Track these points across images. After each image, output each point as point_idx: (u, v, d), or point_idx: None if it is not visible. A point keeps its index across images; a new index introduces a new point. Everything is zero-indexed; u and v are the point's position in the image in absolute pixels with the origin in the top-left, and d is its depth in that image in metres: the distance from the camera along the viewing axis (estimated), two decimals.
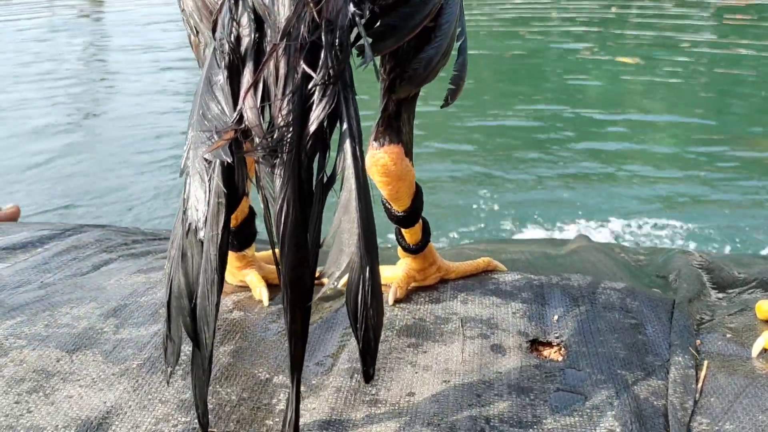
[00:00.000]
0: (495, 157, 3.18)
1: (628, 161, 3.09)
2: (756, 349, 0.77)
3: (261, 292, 0.86)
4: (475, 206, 2.68)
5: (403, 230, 0.85)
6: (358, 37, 0.57)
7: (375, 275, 0.54)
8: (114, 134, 3.43)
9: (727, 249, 2.29)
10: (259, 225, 0.83)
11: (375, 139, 0.76)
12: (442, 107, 0.79)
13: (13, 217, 1.31)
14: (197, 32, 0.69)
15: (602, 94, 4.03)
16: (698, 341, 0.80)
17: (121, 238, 1.15)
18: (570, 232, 2.45)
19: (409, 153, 0.78)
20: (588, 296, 0.88)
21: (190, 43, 0.74)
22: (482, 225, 2.55)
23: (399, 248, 0.88)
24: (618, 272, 1.02)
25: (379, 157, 0.76)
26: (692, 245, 2.32)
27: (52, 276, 0.97)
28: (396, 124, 0.75)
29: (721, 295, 0.97)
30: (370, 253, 0.54)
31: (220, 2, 0.59)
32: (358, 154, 0.54)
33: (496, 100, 3.88)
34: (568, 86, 4.12)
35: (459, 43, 0.78)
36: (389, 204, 0.81)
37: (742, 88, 4.08)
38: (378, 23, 0.62)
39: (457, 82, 0.79)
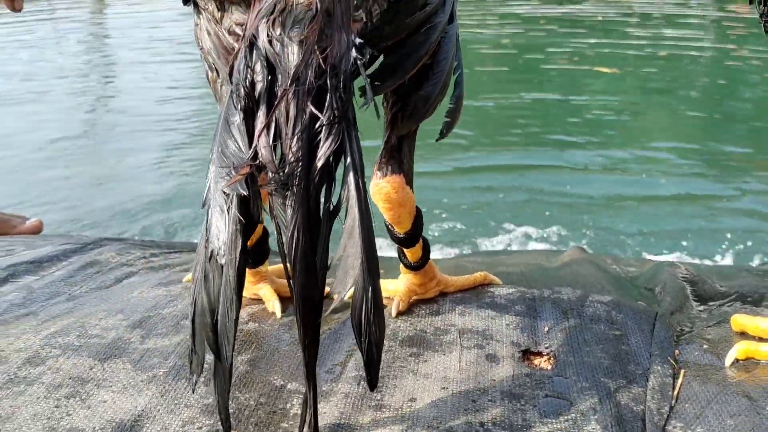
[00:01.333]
0: (486, 149, 3.22)
1: (621, 166, 3.13)
2: (729, 359, 0.84)
3: (274, 305, 0.93)
4: (464, 206, 2.71)
5: (405, 249, 0.92)
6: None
7: (377, 294, 0.61)
8: (120, 144, 3.49)
9: (719, 258, 2.34)
10: (271, 242, 0.90)
11: (378, 170, 0.83)
12: (437, 140, 0.85)
13: (36, 230, 1.38)
14: (214, 69, 0.76)
15: (585, 101, 4.06)
16: (677, 351, 0.87)
17: (139, 251, 1.22)
18: (562, 236, 2.50)
19: (410, 182, 0.84)
20: (576, 309, 0.95)
21: (208, 79, 0.80)
22: (476, 228, 2.59)
23: (401, 265, 0.95)
24: (606, 285, 1.09)
25: (382, 186, 0.83)
26: (684, 253, 2.38)
27: (78, 289, 1.04)
28: (398, 156, 0.82)
29: (702, 308, 1.03)
30: (372, 274, 0.60)
31: (236, 48, 0.65)
32: (361, 185, 0.61)
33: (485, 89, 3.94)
34: (552, 90, 4.16)
35: (455, 76, 0.84)
36: (392, 227, 0.88)
37: (737, 94, 4.14)
38: (379, 64, 0.69)
39: (453, 114, 0.85)
